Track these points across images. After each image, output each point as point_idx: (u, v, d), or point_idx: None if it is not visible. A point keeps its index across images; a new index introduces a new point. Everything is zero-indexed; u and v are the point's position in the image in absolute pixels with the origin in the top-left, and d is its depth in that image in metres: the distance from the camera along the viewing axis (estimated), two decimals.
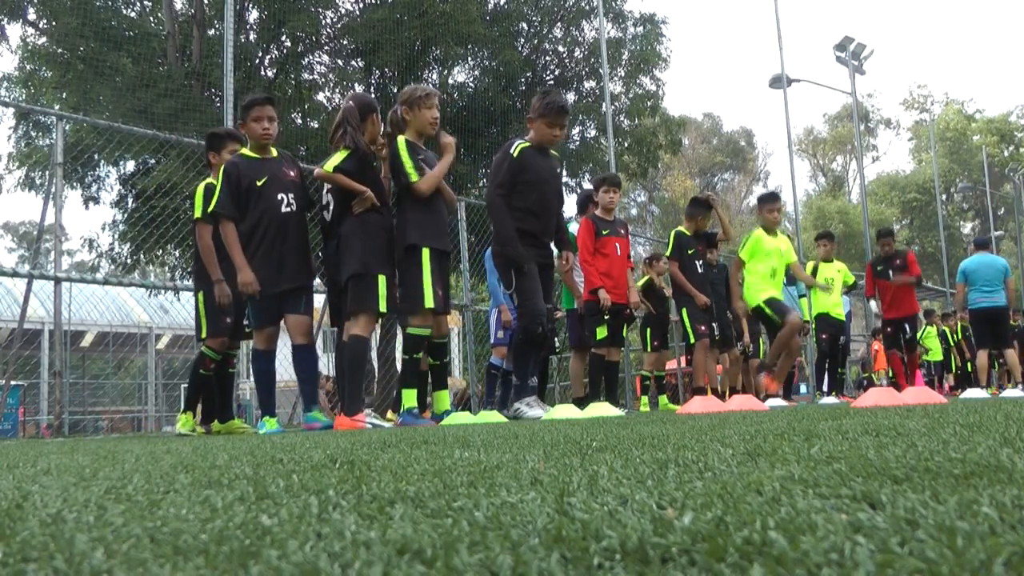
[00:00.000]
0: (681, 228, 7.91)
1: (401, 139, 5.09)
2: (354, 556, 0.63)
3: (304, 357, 5.10)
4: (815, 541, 0.60)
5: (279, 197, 4.97)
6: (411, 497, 0.97)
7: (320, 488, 1.11)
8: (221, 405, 5.56)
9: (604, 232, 6.86)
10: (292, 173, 5.15)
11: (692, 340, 7.56)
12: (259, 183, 4.93)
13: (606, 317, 6.66)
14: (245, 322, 5.37)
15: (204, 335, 5.33)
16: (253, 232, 4.94)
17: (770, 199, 7.61)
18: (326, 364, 15.47)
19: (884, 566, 0.54)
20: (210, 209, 5.01)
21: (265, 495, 1.06)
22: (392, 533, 0.72)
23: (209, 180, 5.35)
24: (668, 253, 7.85)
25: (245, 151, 5.13)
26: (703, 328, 7.47)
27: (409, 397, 5.04)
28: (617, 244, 6.91)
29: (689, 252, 7.62)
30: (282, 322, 5.17)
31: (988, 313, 9.37)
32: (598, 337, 6.75)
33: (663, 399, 9.64)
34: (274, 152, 5.18)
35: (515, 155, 5.36)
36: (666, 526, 0.69)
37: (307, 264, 5.15)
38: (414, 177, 4.97)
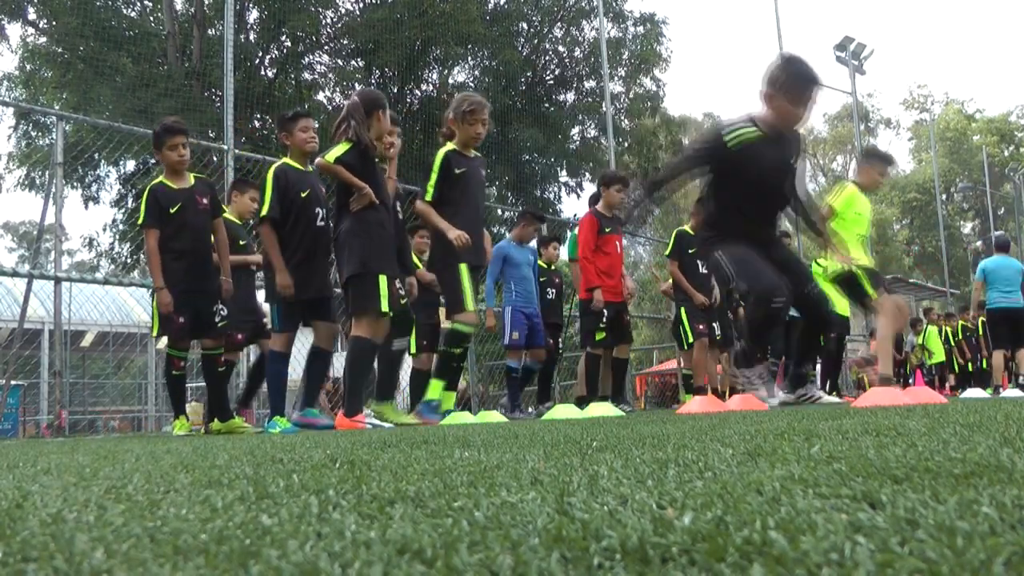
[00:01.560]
0: (685, 228, 7.78)
1: (442, 152, 5.17)
2: (354, 556, 0.63)
3: (323, 361, 5.31)
4: (815, 541, 0.60)
5: (316, 211, 5.13)
6: (411, 497, 0.97)
7: (320, 488, 1.11)
8: (218, 404, 5.55)
9: (607, 230, 6.81)
10: (324, 190, 5.27)
11: (691, 340, 7.54)
12: (303, 195, 5.09)
13: (604, 320, 6.64)
14: (217, 319, 5.36)
15: (154, 333, 5.46)
16: (288, 241, 5.07)
17: (885, 160, 6.50)
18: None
19: (884, 566, 0.54)
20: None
21: (265, 495, 1.06)
22: (392, 533, 0.72)
23: (157, 180, 5.29)
24: (668, 252, 7.79)
25: (289, 160, 5.22)
26: (702, 328, 7.45)
27: (435, 388, 5.06)
28: (617, 242, 6.90)
29: (691, 251, 7.56)
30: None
31: (1007, 313, 9.39)
32: (596, 339, 6.71)
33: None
34: (310, 168, 5.27)
35: (731, 145, 4.29)
36: (666, 526, 0.69)
37: (329, 277, 5.28)
38: (427, 195, 5.11)
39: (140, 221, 5.20)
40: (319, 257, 5.15)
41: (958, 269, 37.91)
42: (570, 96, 16.88)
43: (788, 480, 0.95)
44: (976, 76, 79.69)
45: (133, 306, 22.39)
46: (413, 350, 7.00)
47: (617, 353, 7.02)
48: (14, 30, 15.83)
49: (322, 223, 5.16)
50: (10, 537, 0.80)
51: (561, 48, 16.91)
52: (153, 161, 11.58)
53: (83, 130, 10.51)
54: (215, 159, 8.66)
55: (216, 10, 13.46)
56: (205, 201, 5.32)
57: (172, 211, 5.15)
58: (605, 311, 6.62)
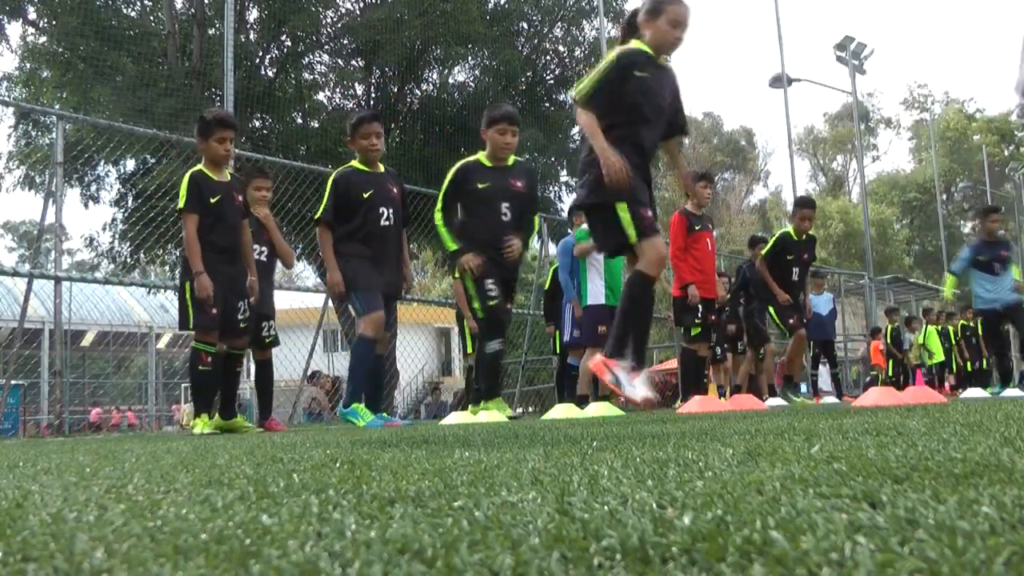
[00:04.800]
0: (788, 230, 7.62)
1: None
2: (354, 555, 0.63)
3: (382, 364, 5.45)
4: (815, 540, 0.60)
5: (380, 211, 5.19)
6: (411, 497, 0.97)
7: (320, 488, 1.11)
8: (224, 403, 5.47)
9: (696, 228, 6.88)
10: (395, 190, 5.33)
11: (789, 335, 7.48)
12: (365, 195, 5.16)
13: (699, 315, 6.73)
14: (240, 317, 5.28)
15: (190, 326, 5.20)
16: (351, 240, 5.15)
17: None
18: (328, 364, 15.48)
19: (884, 566, 0.54)
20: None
21: (265, 494, 1.06)
22: (392, 532, 0.72)
23: (197, 168, 5.23)
24: (764, 252, 7.64)
25: (355, 164, 5.29)
26: (792, 321, 7.38)
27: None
28: (708, 240, 6.98)
29: (788, 257, 7.46)
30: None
31: None
32: (693, 333, 6.81)
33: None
34: (381, 167, 5.36)
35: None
36: (666, 526, 0.69)
37: (398, 279, 5.36)
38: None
39: (180, 206, 5.10)
40: (387, 256, 5.21)
41: None
42: (570, 96, 16.86)
43: (788, 480, 0.95)
44: (976, 76, 79.72)
45: (133, 306, 22.42)
46: (469, 350, 7.12)
47: (699, 351, 7.09)
48: (14, 30, 15.83)
49: (387, 223, 5.20)
50: (10, 537, 0.80)
51: (561, 48, 16.89)
52: (153, 160, 11.58)
53: (83, 130, 10.50)
54: None
55: (216, 10, 13.45)
56: (240, 199, 5.34)
57: (212, 201, 5.10)
58: (700, 306, 6.73)
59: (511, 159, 5.27)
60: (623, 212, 3.72)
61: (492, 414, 5.02)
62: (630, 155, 3.76)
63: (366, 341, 5.17)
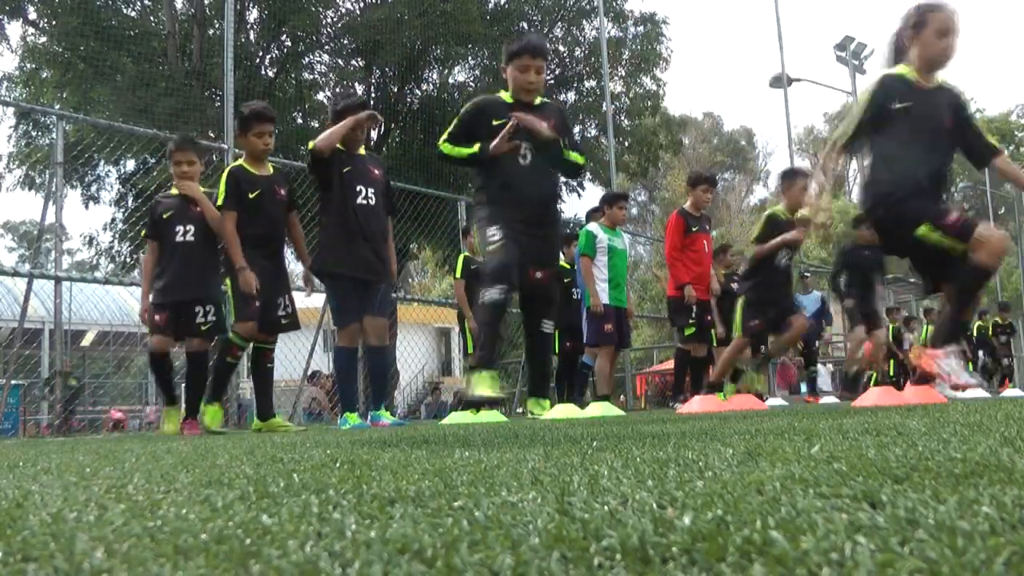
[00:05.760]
0: (776, 209, 6.63)
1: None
2: (354, 555, 0.63)
3: (377, 358, 5.28)
4: (815, 540, 0.60)
5: (358, 189, 5.06)
6: (411, 497, 0.97)
7: (320, 487, 1.11)
8: (262, 402, 5.37)
9: (694, 228, 6.84)
10: (377, 171, 5.24)
11: (738, 332, 6.84)
12: (344, 171, 5.04)
13: (693, 315, 6.74)
14: (280, 314, 5.24)
15: (234, 319, 5.15)
16: (331, 224, 5.06)
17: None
18: (328, 364, 15.47)
19: (884, 566, 0.54)
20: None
21: (265, 494, 1.06)
22: (392, 532, 0.72)
23: (237, 163, 5.21)
24: (755, 236, 6.59)
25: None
26: (753, 324, 6.43)
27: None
28: (705, 241, 6.94)
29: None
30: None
31: None
32: (686, 333, 6.81)
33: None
34: (362, 151, 5.28)
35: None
36: (667, 526, 0.69)
37: (380, 262, 5.19)
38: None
39: (219, 203, 5.05)
40: (366, 238, 5.04)
41: None
42: (570, 96, 16.88)
43: (788, 480, 0.95)
44: (976, 76, 79.67)
45: (133, 306, 22.36)
46: (470, 350, 7.09)
47: (695, 352, 7.06)
48: (14, 29, 15.84)
49: (365, 202, 5.04)
50: (10, 537, 0.80)
51: (561, 48, 16.90)
52: (153, 160, 11.58)
53: (83, 130, 10.50)
54: (215, 158, 8.66)
55: (216, 10, 13.48)
56: (283, 192, 5.30)
57: (251, 196, 5.08)
58: (695, 307, 6.73)
59: (537, 98, 4.68)
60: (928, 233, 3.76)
61: (481, 387, 4.06)
62: (919, 177, 3.81)
63: (343, 351, 5.15)
